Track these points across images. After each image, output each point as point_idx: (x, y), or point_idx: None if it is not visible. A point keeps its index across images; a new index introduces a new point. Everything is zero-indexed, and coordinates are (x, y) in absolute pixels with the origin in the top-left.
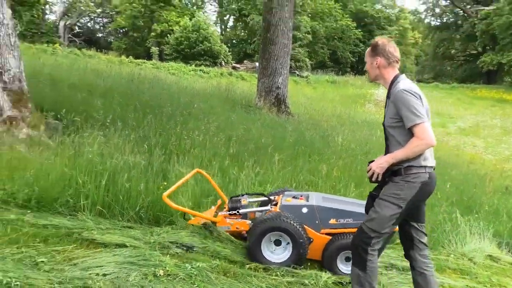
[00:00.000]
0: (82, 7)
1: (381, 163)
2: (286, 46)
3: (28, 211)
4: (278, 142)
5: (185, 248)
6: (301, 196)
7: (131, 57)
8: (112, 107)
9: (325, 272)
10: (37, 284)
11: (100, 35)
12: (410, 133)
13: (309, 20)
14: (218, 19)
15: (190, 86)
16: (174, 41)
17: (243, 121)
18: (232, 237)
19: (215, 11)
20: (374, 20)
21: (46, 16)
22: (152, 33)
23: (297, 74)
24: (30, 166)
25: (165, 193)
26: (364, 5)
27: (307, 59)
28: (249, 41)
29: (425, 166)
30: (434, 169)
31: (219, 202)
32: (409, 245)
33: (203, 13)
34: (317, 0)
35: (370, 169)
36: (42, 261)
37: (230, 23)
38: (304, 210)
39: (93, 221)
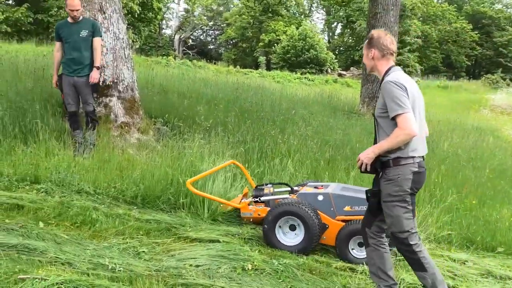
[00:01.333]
0: (195, 21)
1: (368, 153)
2: None
3: (134, 207)
4: None
5: None
6: (322, 186)
7: (238, 66)
8: (214, 113)
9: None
10: (137, 270)
11: (211, 46)
12: (395, 123)
13: (420, 24)
14: (326, 26)
15: (293, 93)
16: (280, 50)
17: (342, 126)
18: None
19: (322, 19)
20: (493, 21)
21: (163, 31)
22: (260, 43)
23: None
24: (137, 167)
25: (189, 180)
26: (482, 5)
27: (417, 64)
28: (356, 47)
29: (413, 157)
30: (424, 159)
31: (245, 190)
32: (367, 222)
33: (310, 21)
34: (429, 3)
35: (359, 160)
36: (143, 251)
37: (338, 30)
38: (320, 197)
39: (191, 218)
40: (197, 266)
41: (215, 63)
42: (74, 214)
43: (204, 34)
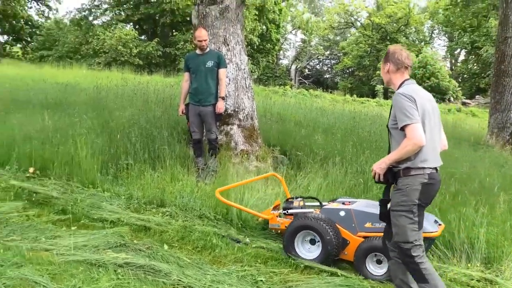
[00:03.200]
0: (312, 51)
1: (380, 164)
2: None
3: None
4: (509, 182)
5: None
6: (349, 202)
7: (355, 95)
8: (332, 142)
9: None
10: None
11: (327, 76)
12: (404, 134)
13: None
14: (448, 53)
15: None
16: None
17: (469, 158)
18: None
19: (444, 46)
20: None
21: (280, 61)
22: (378, 72)
23: None
24: (256, 195)
25: (219, 189)
26: None
27: None
28: (482, 74)
29: (423, 168)
30: (437, 170)
31: (276, 202)
32: (387, 235)
33: (431, 48)
34: None
35: (373, 170)
36: (261, 280)
37: (461, 57)
38: (342, 213)
39: None
40: None
41: (331, 92)
42: (196, 239)
43: (320, 64)
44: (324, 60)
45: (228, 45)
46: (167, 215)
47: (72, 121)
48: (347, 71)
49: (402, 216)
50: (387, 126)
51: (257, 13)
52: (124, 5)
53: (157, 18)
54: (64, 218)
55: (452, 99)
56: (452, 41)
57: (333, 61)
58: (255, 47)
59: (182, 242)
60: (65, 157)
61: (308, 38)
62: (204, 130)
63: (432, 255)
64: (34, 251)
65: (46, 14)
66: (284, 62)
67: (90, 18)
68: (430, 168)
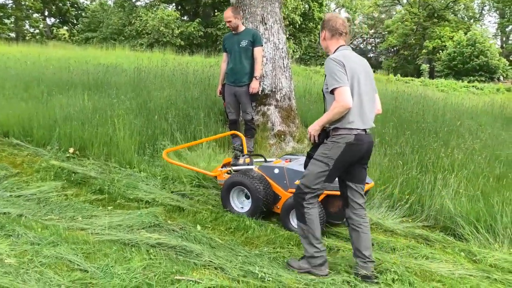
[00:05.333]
0: (356, 30)
1: (314, 126)
2: None
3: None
4: None
5: None
6: (290, 159)
7: (399, 75)
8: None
9: None
10: (286, 282)
11: (371, 55)
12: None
13: None
14: (498, 30)
15: (458, 103)
16: (446, 57)
17: None
18: None
19: (495, 23)
20: None
21: None
22: (423, 50)
23: None
24: None
25: (166, 150)
26: None
27: None
28: None
29: (350, 128)
30: (366, 132)
31: (225, 160)
32: (344, 202)
33: (481, 25)
34: None
35: (308, 133)
36: None
37: None
38: (276, 170)
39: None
40: None
41: (374, 72)
42: (229, 220)
43: (364, 43)
44: (368, 39)
45: (265, 24)
46: (202, 195)
47: (111, 102)
48: (392, 50)
49: (317, 165)
50: (322, 90)
51: None
52: None
53: None
54: (101, 198)
55: (502, 78)
56: (504, 18)
57: (377, 40)
58: (297, 26)
59: (215, 223)
60: (104, 138)
61: (352, 17)
62: (240, 111)
63: (473, 239)
64: (70, 230)
65: None
66: None
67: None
68: (358, 129)
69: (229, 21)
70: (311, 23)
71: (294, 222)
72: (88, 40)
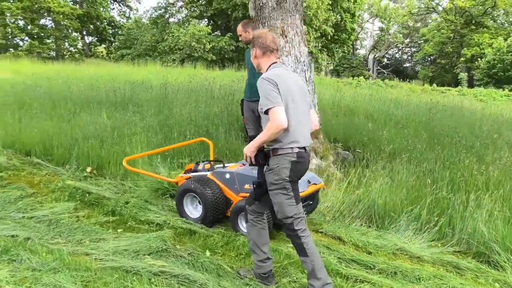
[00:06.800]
0: (390, 39)
1: (249, 147)
2: None
3: None
4: None
5: None
6: (243, 164)
7: (435, 85)
8: (401, 137)
9: None
10: None
11: (407, 64)
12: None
13: None
14: None
15: (497, 113)
16: (485, 64)
17: None
18: None
19: None
20: None
21: (357, 51)
22: (461, 58)
23: None
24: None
25: (126, 158)
26: None
27: None
28: None
29: (291, 147)
30: (306, 150)
31: (188, 166)
32: (249, 200)
33: None
34: None
35: (244, 154)
36: None
37: None
38: (227, 175)
39: None
40: None
41: (409, 82)
42: (241, 245)
43: (400, 52)
44: (403, 48)
45: (286, 36)
46: None
47: (131, 120)
48: (428, 59)
49: (279, 194)
50: (257, 110)
51: (330, 2)
52: (198, 2)
53: (229, 12)
54: (112, 219)
55: None
56: None
57: (413, 49)
58: (329, 38)
59: (226, 248)
60: (120, 156)
61: (386, 26)
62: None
63: (510, 267)
64: (74, 255)
65: (127, 15)
66: (361, 52)
67: (166, 16)
68: (298, 147)
69: (240, 35)
70: (344, 34)
71: (242, 225)
72: (124, 57)
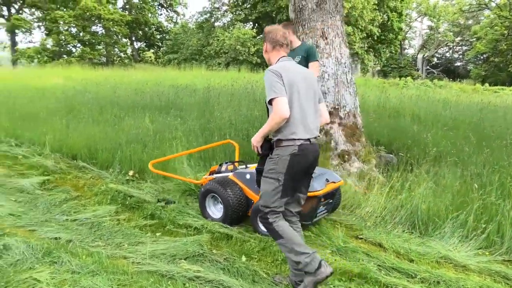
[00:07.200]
0: (440, 38)
1: (255, 137)
2: None
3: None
4: None
5: None
6: None
7: (487, 84)
8: (448, 139)
9: None
10: None
11: (458, 64)
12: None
13: None
14: None
15: None
16: None
17: None
18: None
19: None
20: None
21: (405, 51)
22: None
23: None
24: (356, 199)
25: (152, 161)
26: None
27: None
28: None
29: (293, 139)
30: (310, 141)
31: (212, 168)
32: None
33: None
34: None
35: (252, 144)
36: None
37: None
38: (248, 176)
39: None
40: None
41: (460, 81)
42: (277, 250)
43: (450, 51)
44: (454, 47)
45: (326, 38)
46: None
47: (172, 124)
48: (481, 57)
49: (269, 182)
50: (265, 102)
51: (376, 2)
52: (242, 5)
53: (274, 15)
54: (151, 223)
55: None
56: None
57: (464, 48)
58: (376, 38)
59: (262, 253)
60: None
61: (436, 25)
62: None
63: None
64: (113, 258)
65: (174, 20)
66: (410, 51)
67: (212, 20)
68: (302, 139)
69: None
70: (391, 34)
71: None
72: (171, 61)
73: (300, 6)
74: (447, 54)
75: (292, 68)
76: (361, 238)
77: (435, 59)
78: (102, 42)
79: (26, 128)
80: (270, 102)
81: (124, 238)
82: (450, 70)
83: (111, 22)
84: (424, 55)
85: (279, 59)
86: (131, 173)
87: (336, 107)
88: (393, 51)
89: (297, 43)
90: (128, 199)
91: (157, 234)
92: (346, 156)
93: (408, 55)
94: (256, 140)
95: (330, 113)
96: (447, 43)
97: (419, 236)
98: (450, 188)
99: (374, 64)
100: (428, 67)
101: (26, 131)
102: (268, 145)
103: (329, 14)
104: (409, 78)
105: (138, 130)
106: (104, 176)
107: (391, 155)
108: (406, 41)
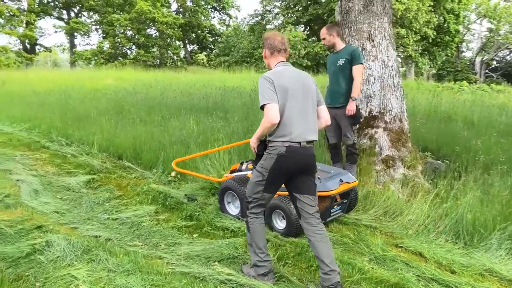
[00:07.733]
0: (500, 41)
1: (253, 139)
2: None
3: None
4: None
5: None
6: None
7: None
8: (500, 146)
9: None
10: None
11: None
12: None
13: None
14: None
15: None
16: None
17: None
18: None
19: None
20: None
21: (462, 54)
22: None
23: None
24: (398, 206)
25: (175, 160)
26: None
27: None
28: None
29: (282, 141)
30: (300, 145)
31: (233, 166)
32: (297, 213)
33: None
34: None
35: (251, 145)
36: None
37: None
38: None
39: None
40: None
41: None
42: (312, 256)
43: (511, 54)
44: None
45: (373, 40)
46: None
47: (215, 126)
48: None
49: (256, 174)
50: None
51: (432, 3)
52: (294, 8)
53: (325, 17)
54: (189, 224)
55: None
56: None
57: None
58: (431, 41)
59: (297, 258)
60: (203, 161)
61: (496, 27)
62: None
63: None
64: (148, 258)
65: (227, 23)
66: (467, 54)
67: (263, 23)
68: (290, 142)
69: (324, 39)
70: (447, 36)
71: (276, 222)
72: (222, 64)
73: (347, 8)
74: (508, 58)
75: (287, 73)
76: (401, 247)
77: (495, 63)
78: (156, 45)
79: (76, 127)
80: (262, 107)
81: (162, 239)
82: (511, 74)
83: (165, 25)
84: (482, 58)
85: (277, 64)
86: (173, 174)
87: (382, 111)
88: (450, 54)
89: (341, 45)
90: (168, 199)
91: (194, 235)
92: (391, 162)
93: (465, 58)
94: (253, 141)
95: (375, 117)
96: (508, 46)
97: (463, 247)
98: (499, 198)
99: (430, 67)
100: (486, 70)
101: (76, 131)
102: (264, 145)
103: (376, 16)
104: (464, 82)
105: (182, 131)
106: (147, 176)
107: (439, 162)
108: (464, 44)
